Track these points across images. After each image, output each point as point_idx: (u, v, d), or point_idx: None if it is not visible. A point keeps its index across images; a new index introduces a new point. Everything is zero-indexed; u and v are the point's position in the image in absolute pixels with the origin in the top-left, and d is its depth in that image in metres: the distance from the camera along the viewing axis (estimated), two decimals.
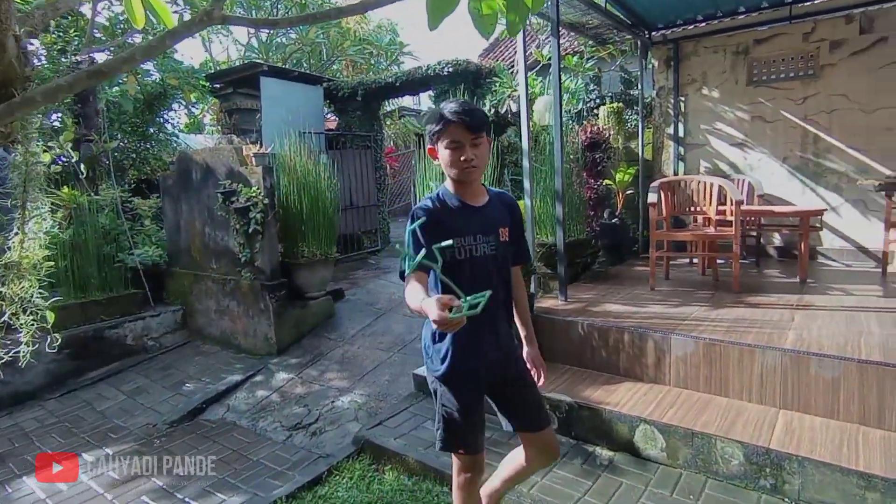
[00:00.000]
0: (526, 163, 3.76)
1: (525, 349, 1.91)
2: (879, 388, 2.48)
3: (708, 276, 4.69)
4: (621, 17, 5.41)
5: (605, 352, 3.30)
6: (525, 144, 3.75)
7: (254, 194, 4.82)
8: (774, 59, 5.52)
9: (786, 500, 2.29)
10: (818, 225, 5.16)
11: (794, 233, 4.84)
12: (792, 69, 5.42)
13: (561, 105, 3.89)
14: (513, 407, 1.84)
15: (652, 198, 4.25)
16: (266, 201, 4.83)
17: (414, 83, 7.50)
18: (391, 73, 8.56)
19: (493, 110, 6.51)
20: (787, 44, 5.41)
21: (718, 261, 4.64)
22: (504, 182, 5.88)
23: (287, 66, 9.93)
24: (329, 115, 9.21)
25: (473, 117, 1.63)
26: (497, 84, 6.78)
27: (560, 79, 3.90)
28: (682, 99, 6.02)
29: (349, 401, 3.90)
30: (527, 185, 3.79)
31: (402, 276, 1.57)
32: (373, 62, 13.36)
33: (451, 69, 6.89)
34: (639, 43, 5.92)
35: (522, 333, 1.92)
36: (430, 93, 8.53)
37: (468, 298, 1.29)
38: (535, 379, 1.88)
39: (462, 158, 1.63)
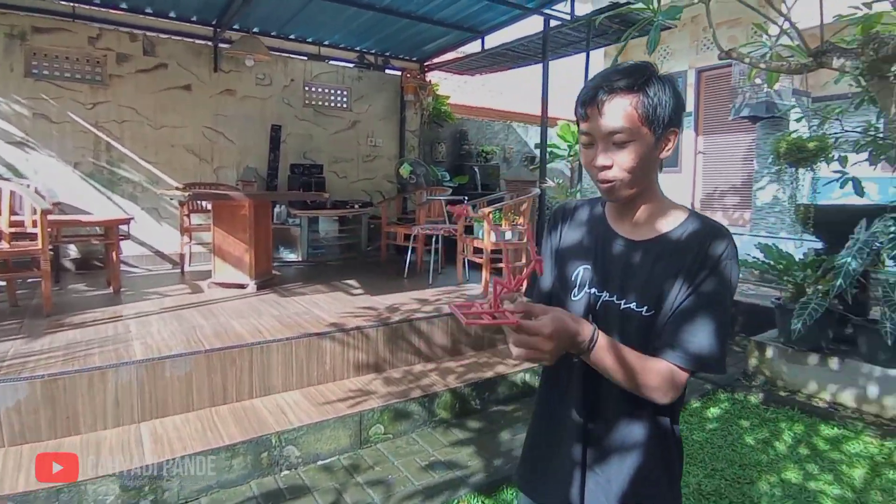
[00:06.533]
0: None
1: None
2: (222, 370, 2.84)
3: (3, 302, 3.84)
4: None
5: None
6: None
7: None
8: (58, 56, 5.09)
9: None
10: (126, 234, 5.24)
11: (101, 243, 4.70)
12: (79, 71, 5.18)
13: None
14: None
15: None
16: None
17: None
18: None
19: None
20: (73, 42, 5.12)
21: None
22: None
23: None
24: None
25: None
26: None
27: None
28: None
29: None
30: None
31: None
32: None
33: None
34: None
35: None
36: None
37: None
38: None
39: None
